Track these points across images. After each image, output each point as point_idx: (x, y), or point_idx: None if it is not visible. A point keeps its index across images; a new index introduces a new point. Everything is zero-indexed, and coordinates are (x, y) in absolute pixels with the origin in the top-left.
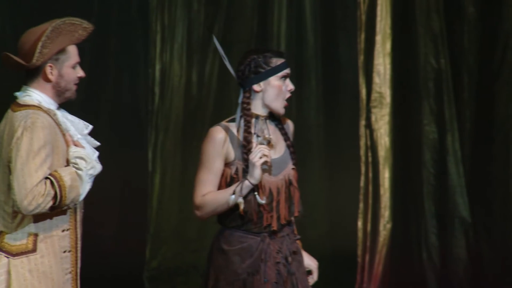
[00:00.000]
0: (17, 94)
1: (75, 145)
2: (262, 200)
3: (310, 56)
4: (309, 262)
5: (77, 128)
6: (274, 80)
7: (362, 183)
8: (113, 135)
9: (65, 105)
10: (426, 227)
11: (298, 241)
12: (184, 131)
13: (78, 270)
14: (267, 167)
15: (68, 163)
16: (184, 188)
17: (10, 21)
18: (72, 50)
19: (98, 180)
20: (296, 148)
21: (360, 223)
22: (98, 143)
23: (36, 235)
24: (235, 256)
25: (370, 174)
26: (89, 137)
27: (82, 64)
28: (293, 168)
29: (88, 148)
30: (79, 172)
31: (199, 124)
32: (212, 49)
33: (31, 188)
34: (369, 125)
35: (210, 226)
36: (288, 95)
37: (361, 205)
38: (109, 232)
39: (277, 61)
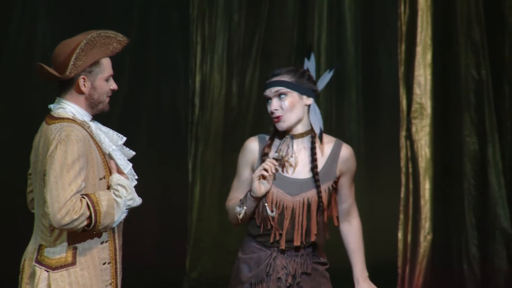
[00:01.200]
0: (51, 106)
1: (119, 173)
2: (270, 212)
3: (351, 67)
4: None
5: (111, 139)
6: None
7: (402, 194)
8: (153, 146)
9: (105, 116)
10: (467, 238)
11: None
12: (224, 142)
13: (119, 282)
14: (265, 182)
15: (108, 185)
16: (224, 199)
17: (51, 33)
18: (106, 63)
19: (138, 190)
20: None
21: (400, 234)
22: (133, 153)
23: (75, 248)
24: (243, 264)
25: (411, 185)
26: (125, 148)
27: (122, 75)
28: (317, 190)
29: (123, 160)
30: (118, 199)
31: (239, 135)
32: (252, 60)
33: (64, 202)
34: (409, 136)
35: None
36: (273, 116)
37: (401, 216)
38: (150, 242)
39: (266, 82)
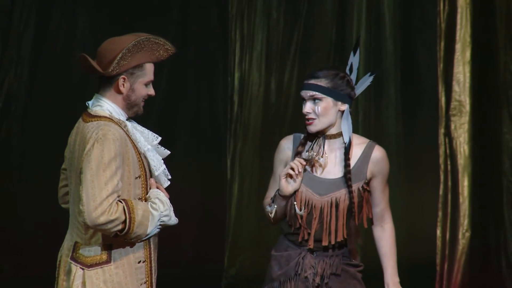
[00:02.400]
0: (89, 103)
1: (159, 189)
2: (299, 211)
3: (389, 64)
4: None
5: (147, 138)
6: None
7: (441, 191)
8: (192, 143)
9: (145, 113)
10: (505, 236)
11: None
12: (263, 139)
13: (154, 281)
14: (292, 181)
15: (146, 198)
16: (262, 196)
17: (91, 32)
18: (149, 68)
19: (177, 187)
20: None
21: (439, 232)
22: (168, 152)
23: (110, 246)
24: (275, 261)
25: (449, 183)
26: (160, 147)
27: (161, 72)
28: (349, 193)
29: (156, 161)
30: (153, 212)
31: (278, 132)
32: (291, 58)
33: (100, 201)
34: (448, 134)
35: None
36: (306, 117)
37: (440, 213)
38: (189, 239)
39: (304, 82)
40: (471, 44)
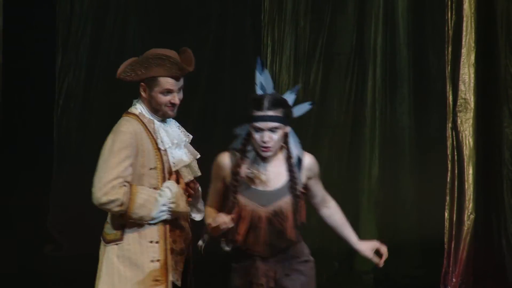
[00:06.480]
0: (134, 101)
1: (179, 182)
2: (226, 247)
3: (403, 67)
4: (365, 250)
5: (173, 138)
6: (251, 128)
7: (448, 179)
8: (228, 137)
9: (187, 109)
10: (505, 218)
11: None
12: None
13: (169, 260)
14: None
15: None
16: None
17: (140, 39)
18: (163, 80)
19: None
20: (390, 147)
21: (447, 214)
22: (198, 155)
23: (124, 226)
24: (234, 273)
25: (456, 171)
26: (190, 147)
27: (201, 73)
28: (295, 199)
29: (184, 155)
30: (158, 198)
31: (304, 126)
32: (316, 61)
33: (105, 183)
34: (455, 128)
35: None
36: (263, 145)
37: (447, 198)
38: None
39: (255, 112)
40: (475, 48)
